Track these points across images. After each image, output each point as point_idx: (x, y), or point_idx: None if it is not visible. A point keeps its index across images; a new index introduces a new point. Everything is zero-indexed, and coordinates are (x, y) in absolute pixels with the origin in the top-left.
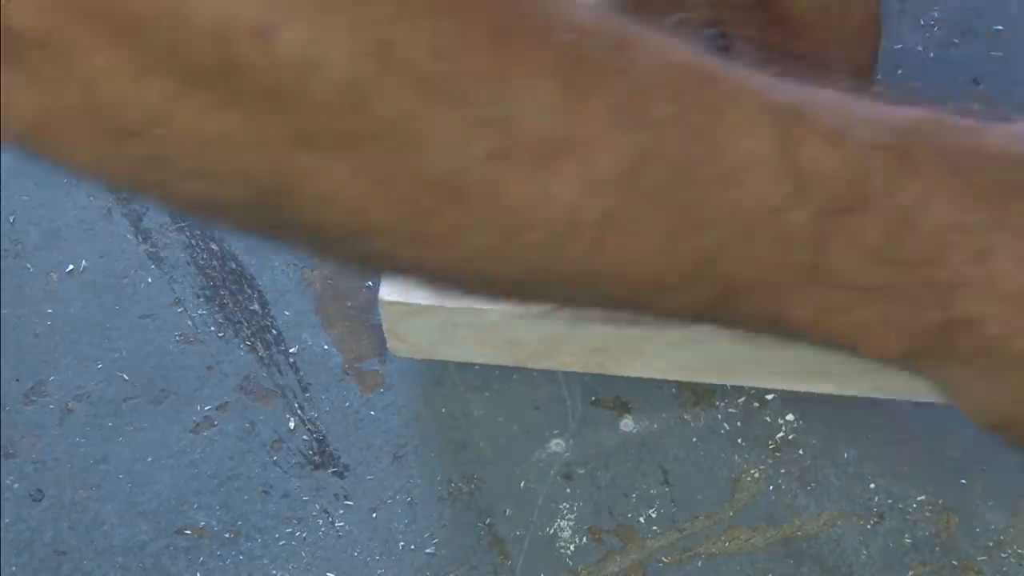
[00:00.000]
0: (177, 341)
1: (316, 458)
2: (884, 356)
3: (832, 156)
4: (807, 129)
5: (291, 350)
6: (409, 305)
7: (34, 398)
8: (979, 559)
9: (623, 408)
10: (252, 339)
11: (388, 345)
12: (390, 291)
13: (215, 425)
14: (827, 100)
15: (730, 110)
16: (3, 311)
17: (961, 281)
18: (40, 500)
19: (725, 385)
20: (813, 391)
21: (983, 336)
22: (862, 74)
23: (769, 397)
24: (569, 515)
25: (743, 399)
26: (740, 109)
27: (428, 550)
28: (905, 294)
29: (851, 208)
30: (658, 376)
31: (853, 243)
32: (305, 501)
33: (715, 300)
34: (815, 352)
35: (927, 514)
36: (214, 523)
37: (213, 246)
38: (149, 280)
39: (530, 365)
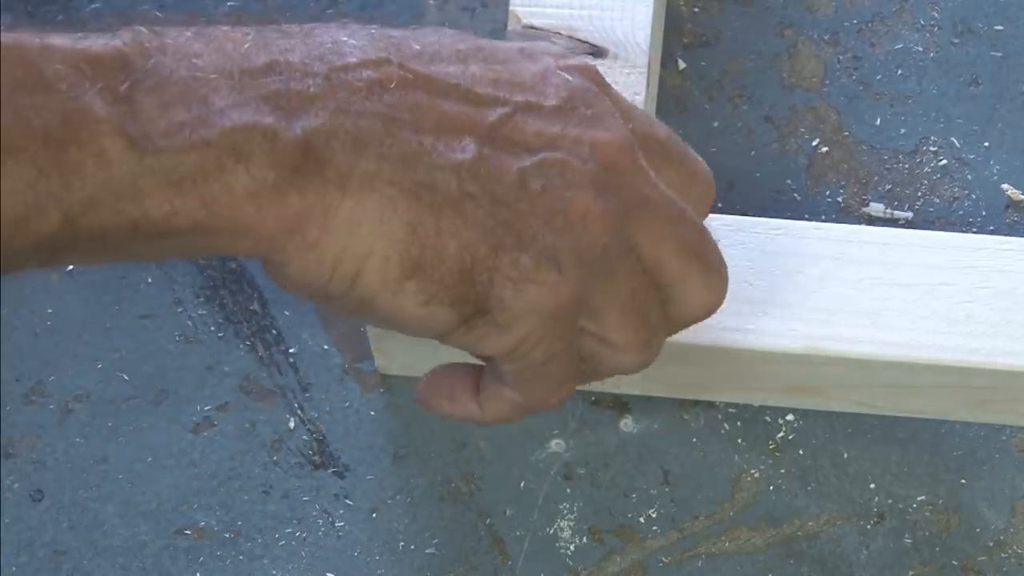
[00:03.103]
0: (177, 341)
1: (316, 458)
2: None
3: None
4: None
5: (291, 350)
6: None
7: (34, 398)
8: (979, 559)
9: (623, 408)
10: (252, 339)
11: (376, 364)
12: None
13: (215, 425)
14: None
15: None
16: (3, 311)
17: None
18: (40, 500)
19: None
20: (798, 407)
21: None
22: None
23: None
24: (569, 515)
25: None
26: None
27: (428, 550)
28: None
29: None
30: (642, 393)
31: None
32: (305, 501)
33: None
34: (799, 369)
35: (927, 514)
36: (214, 523)
37: None
38: (149, 280)
39: None
